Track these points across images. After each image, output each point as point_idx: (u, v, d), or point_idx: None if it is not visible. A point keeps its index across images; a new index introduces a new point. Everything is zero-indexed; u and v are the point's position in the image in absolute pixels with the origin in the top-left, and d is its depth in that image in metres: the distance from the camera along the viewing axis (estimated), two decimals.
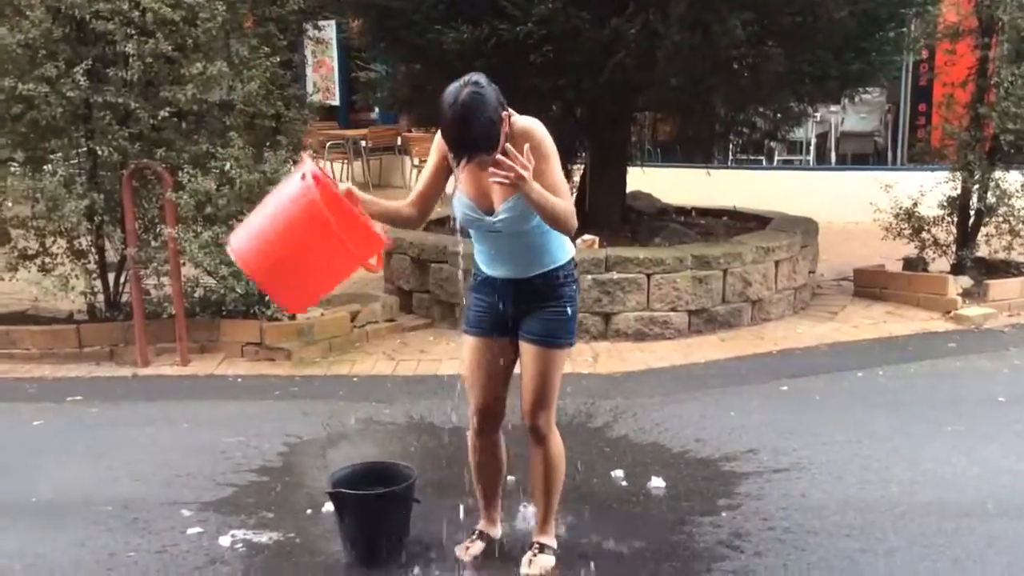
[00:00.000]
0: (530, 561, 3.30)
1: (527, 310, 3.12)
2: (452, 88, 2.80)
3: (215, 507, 3.91)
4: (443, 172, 3.07)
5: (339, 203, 2.82)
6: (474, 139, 2.78)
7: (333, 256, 2.80)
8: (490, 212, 3.00)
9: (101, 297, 6.29)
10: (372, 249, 2.91)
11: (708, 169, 8.67)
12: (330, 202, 2.76)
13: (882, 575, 3.25)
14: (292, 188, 2.82)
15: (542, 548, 3.33)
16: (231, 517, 3.81)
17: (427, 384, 5.40)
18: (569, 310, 3.12)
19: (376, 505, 3.33)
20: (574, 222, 2.95)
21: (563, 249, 3.12)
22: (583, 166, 7.90)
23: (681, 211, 8.21)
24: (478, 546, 3.42)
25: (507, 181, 2.73)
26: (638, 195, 8.04)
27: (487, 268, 3.18)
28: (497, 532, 3.51)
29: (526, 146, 2.80)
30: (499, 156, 2.75)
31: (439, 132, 2.95)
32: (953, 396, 5.12)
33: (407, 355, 6.07)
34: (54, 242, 6.15)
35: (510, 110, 2.91)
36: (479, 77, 2.83)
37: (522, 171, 2.72)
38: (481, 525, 3.50)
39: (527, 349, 3.15)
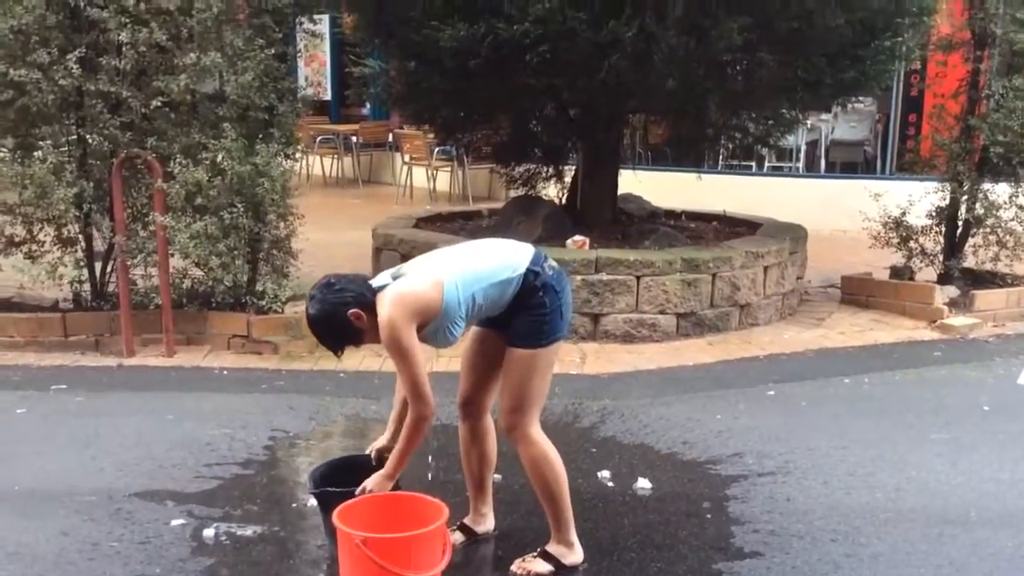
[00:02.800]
0: (522, 560, 3.28)
1: (509, 316, 3.13)
2: (307, 296, 3.08)
3: (199, 499, 3.89)
4: None
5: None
6: (330, 342, 3.09)
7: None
8: None
9: (87, 286, 6.25)
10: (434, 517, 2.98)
11: (699, 173, 8.69)
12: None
13: None
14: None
15: (544, 555, 3.28)
16: (215, 509, 3.79)
17: None
18: (538, 315, 3.09)
19: None
20: (423, 416, 3.01)
21: (506, 291, 3.08)
22: (575, 167, 7.91)
23: (671, 214, 8.23)
24: (455, 536, 3.40)
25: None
26: (629, 197, 8.05)
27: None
28: (483, 528, 3.51)
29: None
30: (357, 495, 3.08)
31: None
32: (938, 404, 5.15)
33: None
34: (41, 229, 6.11)
35: (385, 288, 3.01)
36: (325, 283, 3.04)
37: (375, 490, 3.09)
38: (467, 518, 3.51)
39: (507, 351, 3.16)
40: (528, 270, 3.09)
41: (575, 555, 3.30)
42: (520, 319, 3.10)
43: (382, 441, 3.34)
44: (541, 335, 3.11)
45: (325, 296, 3.01)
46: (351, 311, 2.97)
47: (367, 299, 3.00)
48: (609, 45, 5.94)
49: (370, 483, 3.10)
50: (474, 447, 3.42)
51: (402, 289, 2.99)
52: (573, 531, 3.31)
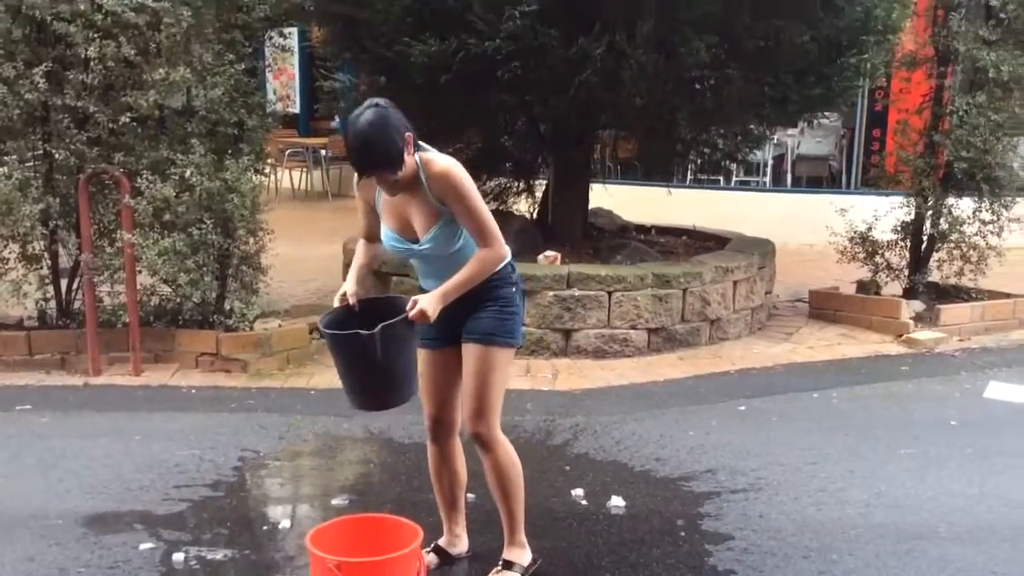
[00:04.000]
0: None
1: (467, 314, 3.12)
2: (357, 110, 2.95)
3: (168, 522, 3.83)
4: (372, 209, 3.26)
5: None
6: (375, 157, 2.90)
7: None
8: (415, 240, 3.09)
9: (53, 303, 6.15)
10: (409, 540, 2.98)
11: (668, 188, 8.75)
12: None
13: None
14: None
15: (507, 565, 3.31)
16: (185, 533, 3.74)
17: None
18: (506, 311, 3.12)
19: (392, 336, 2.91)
20: (498, 255, 3.03)
21: None
22: (546, 182, 7.93)
23: (641, 229, 8.27)
24: (430, 558, 3.39)
25: (426, 320, 2.93)
26: (599, 212, 8.08)
27: (422, 281, 3.23)
28: (458, 549, 3.49)
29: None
30: (410, 315, 2.90)
31: (357, 176, 3.11)
32: (906, 419, 5.21)
33: None
34: (6, 246, 6.01)
35: (429, 149, 3.03)
36: (382, 100, 2.97)
37: (425, 311, 2.91)
38: (441, 540, 3.49)
39: (465, 349, 3.15)
40: (510, 262, 3.16)
41: (528, 553, 3.36)
42: (484, 311, 3.10)
43: (348, 287, 3.17)
44: (503, 331, 3.12)
45: (390, 109, 2.94)
46: (408, 133, 2.93)
47: (416, 141, 2.99)
48: (579, 62, 5.97)
49: (424, 304, 2.92)
50: (445, 468, 3.41)
51: None
52: (523, 530, 3.36)
